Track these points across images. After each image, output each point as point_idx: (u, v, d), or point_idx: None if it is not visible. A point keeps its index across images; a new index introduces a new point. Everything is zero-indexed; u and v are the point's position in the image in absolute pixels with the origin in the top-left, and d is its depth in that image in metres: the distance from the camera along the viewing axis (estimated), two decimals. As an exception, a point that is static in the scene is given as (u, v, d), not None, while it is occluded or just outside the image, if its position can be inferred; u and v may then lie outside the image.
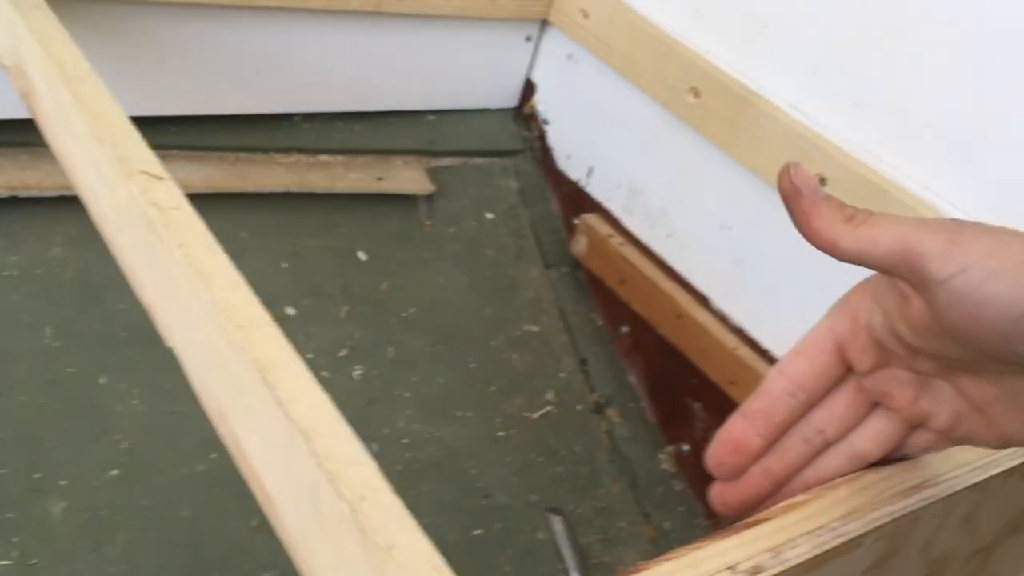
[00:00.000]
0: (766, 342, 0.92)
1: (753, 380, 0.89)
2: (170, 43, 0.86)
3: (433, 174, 1.06)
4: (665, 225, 1.00)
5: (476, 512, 0.85)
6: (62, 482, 0.72)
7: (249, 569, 0.72)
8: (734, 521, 0.38)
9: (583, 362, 1.03)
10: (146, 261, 0.50)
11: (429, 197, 1.05)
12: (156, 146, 0.52)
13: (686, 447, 0.99)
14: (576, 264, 1.10)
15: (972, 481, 0.43)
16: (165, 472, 0.75)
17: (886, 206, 0.77)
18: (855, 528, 0.38)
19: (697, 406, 0.98)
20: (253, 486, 0.43)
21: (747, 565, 0.35)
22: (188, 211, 0.49)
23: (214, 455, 0.77)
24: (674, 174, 0.98)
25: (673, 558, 0.35)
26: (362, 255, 0.97)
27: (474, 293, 1.01)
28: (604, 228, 1.06)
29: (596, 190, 1.08)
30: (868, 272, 0.37)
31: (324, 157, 0.99)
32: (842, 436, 0.41)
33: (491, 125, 1.12)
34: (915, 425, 0.40)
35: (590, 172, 1.08)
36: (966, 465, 0.43)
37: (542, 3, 1.06)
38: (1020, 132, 0.72)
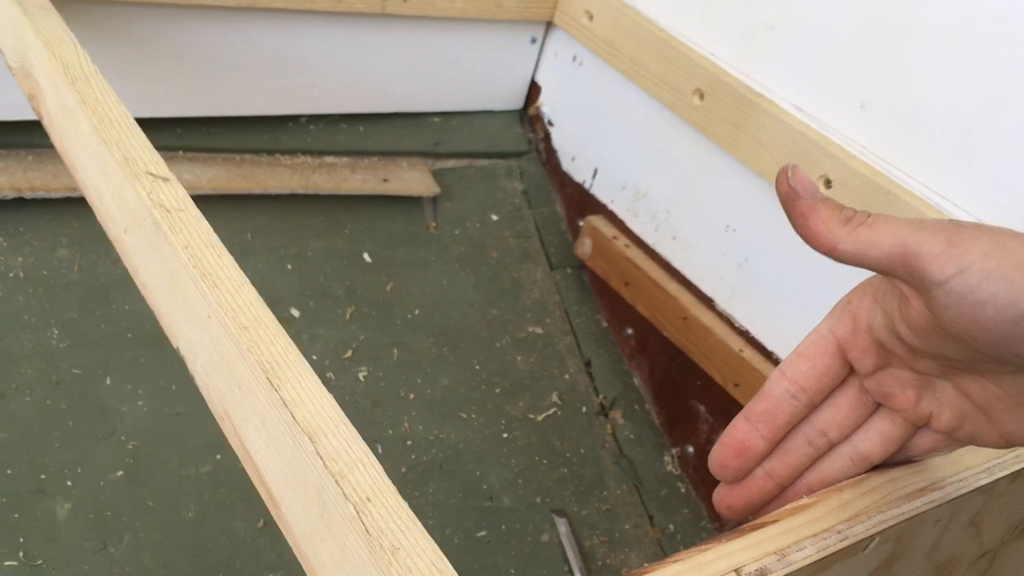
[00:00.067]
0: (771, 344, 0.92)
1: (758, 382, 0.89)
2: (176, 45, 0.86)
3: (438, 176, 1.06)
4: (670, 227, 1.00)
5: (480, 513, 0.85)
6: (67, 483, 0.72)
7: (254, 570, 0.72)
8: (739, 523, 0.38)
9: (588, 364, 1.03)
10: (152, 262, 0.50)
11: (434, 199, 1.05)
12: (162, 147, 0.53)
13: (691, 449, 0.99)
14: (581, 266, 1.10)
15: (978, 484, 0.42)
16: (170, 473, 0.75)
17: (890, 208, 0.77)
18: (861, 531, 0.38)
19: (702, 408, 0.98)
20: (258, 487, 0.43)
21: (752, 568, 0.35)
22: (194, 212, 0.49)
23: (219, 456, 0.77)
24: (679, 176, 0.98)
25: (678, 560, 0.35)
26: (367, 256, 0.97)
27: (479, 294, 1.01)
28: (609, 230, 1.05)
29: (601, 192, 1.08)
30: (871, 273, 0.37)
31: (329, 159, 1.00)
32: (845, 437, 0.40)
33: (496, 127, 1.12)
34: (918, 426, 0.39)
35: (595, 174, 1.08)
36: (972, 468, 0.43)
37: (547, 5, 1.06)
38: (1026, 134, 0.72)
